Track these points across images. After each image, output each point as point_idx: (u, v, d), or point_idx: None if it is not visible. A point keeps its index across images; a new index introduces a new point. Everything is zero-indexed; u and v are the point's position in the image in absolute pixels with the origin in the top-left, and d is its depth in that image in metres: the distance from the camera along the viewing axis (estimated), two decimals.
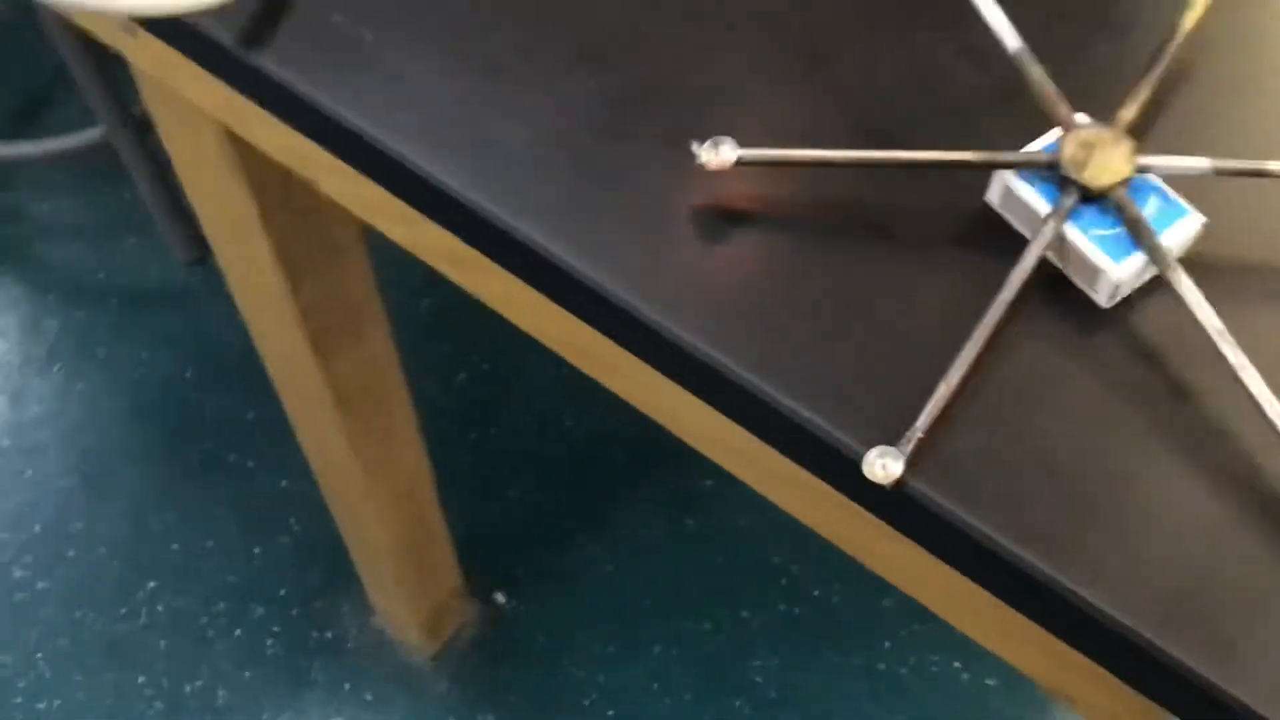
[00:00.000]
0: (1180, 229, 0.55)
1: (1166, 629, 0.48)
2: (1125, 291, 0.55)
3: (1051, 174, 0.55)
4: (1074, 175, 0.54)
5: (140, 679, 1.44)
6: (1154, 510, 0.51)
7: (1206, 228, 0.56)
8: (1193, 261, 0.56)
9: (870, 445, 0.51)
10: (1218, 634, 0.48)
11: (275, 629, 1.49)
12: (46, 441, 1.58)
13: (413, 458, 1.25)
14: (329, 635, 1.49)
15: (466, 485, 1.55)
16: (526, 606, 1.52)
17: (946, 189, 0.58)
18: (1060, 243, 0.55)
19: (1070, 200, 0.54)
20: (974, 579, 0.52)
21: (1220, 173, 0.55)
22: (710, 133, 0.57)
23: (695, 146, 0.56)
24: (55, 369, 1.62)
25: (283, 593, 1.51)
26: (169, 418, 1.60)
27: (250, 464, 1.57)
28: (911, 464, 0.51)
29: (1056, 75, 0.59)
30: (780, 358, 0.54)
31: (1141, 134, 0.57)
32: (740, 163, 0.56)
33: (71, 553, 1.51)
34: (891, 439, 0.51)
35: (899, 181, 0.58)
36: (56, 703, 1.44)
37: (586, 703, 1.47)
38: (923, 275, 0.56)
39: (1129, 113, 0.56)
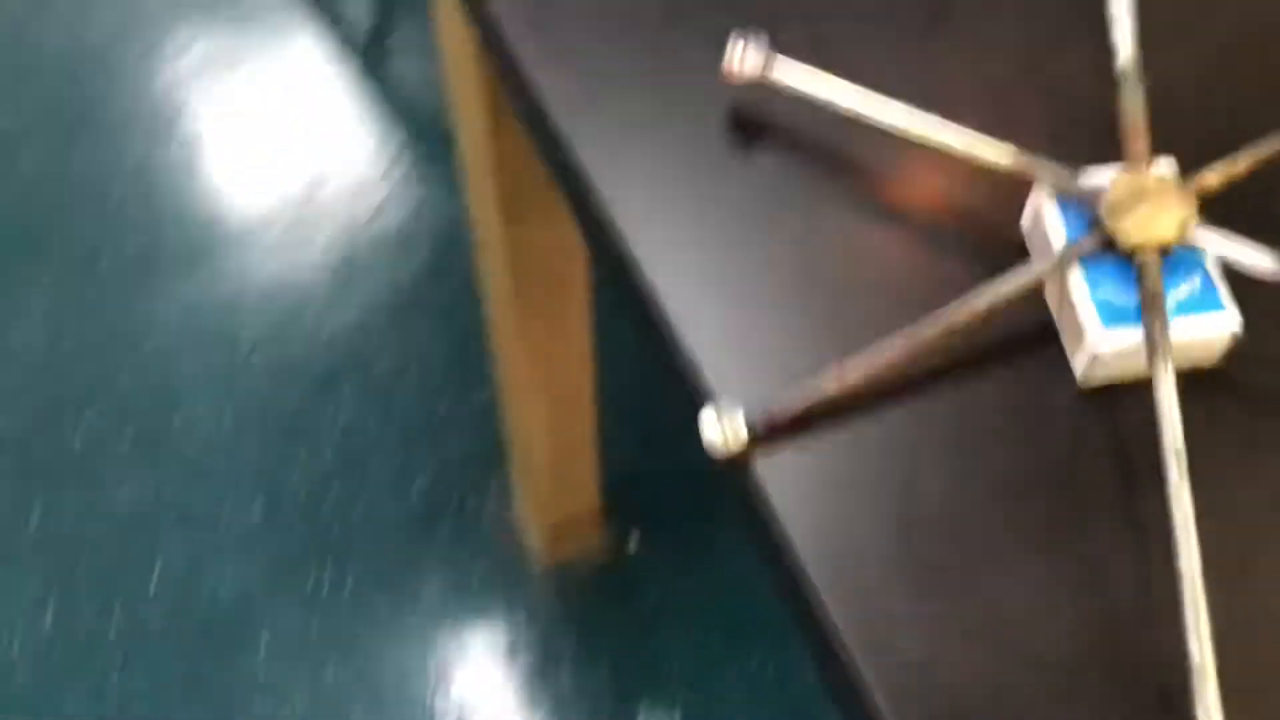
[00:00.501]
0: (1206, 324, 0.45)
1: None
2: (1110, 372, 0.46)
3: (1088, 210, 0.46)
4: (1106, 219, 0.45)
5: (301, 453, 1.50)
6: (992, 617, 0.42)
7: (1241, 338, 0.45)
8: (1212, 372, 0.45)
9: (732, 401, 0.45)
10: None
11: (429, 474, 1.52)
12: (337, 243, 1.67)
13: (578, 362, 1.24)
14: (469, 504, 1.51)
15: (645, 422, 1.52)
16: (653, 562, 1.48)
17: (983, 191, 0.50)
18: (1062, 288, 0.46)
19: (1091, 243, 0.46)
20: (772, 581, 0.45)
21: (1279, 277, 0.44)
22: (774, 49, 0.51)
23: (730, 44, 0.51)
24: (384, 186, 1.71)
25: (451, 449, 1.54)
26: (455, 264, 1.66)
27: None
28: (757, 440, 0.44)
29: (1172, 113, 0.49)
30: (702, 292, 0.48)
31: (1217, 207, 0.46)
32: (765, 77, 0.50)
33: (298, 339, 1.60)
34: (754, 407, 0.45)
35: (934, 165, 0.50)
36: (221, 460, 1.53)
37: (665, 677, 1.42)
38: (901, 270, 0.49)
39: (1212, 178, 0.46)
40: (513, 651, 1.45)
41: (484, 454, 1.55)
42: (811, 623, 0.43)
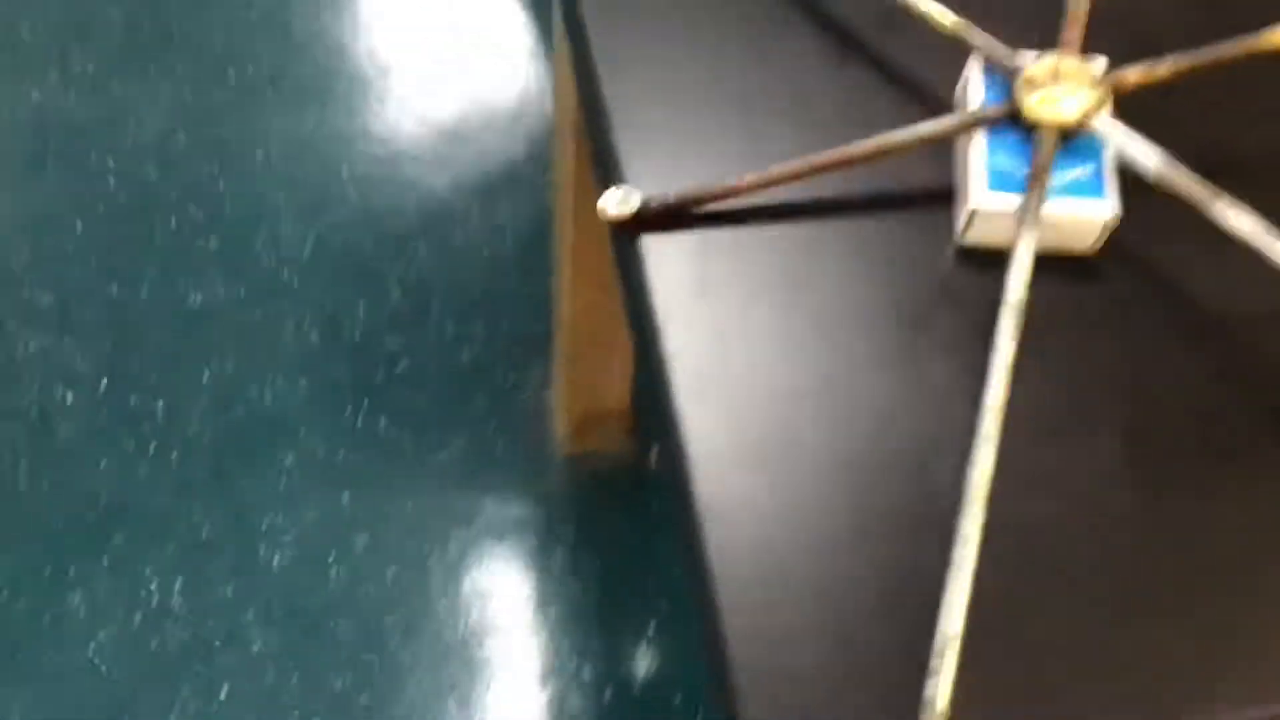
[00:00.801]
0: (1084, 208, 0.49)
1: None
2: (989, 234, 0.49)
3: (1006, 81, 0.50)
4: (1017, 92, 0.49)
5: (366, 295, 1.57)
6: (818, 411, 0.47)
7: (1122, 236, 0.48)
8: (1085, 258, 0.49)
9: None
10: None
11: (479, 347, 1.58)
12: (452, 106, 1.74)
13: None
14: (509, 380, 1.57)
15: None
16: (667, 479, 1.52)
17: (932, 58, 0.54)
18: (965, 148, 0.50)
19: (997, 111, 0.49)
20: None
21: (1162, 178, 0.47)
22: None
23: None
24: (512, 64, 1.77)
25: (505, 326, 1.60)
26: None
27: None
28: (650, 216, 0.49)
29: (1127, 16, 0.52)
30: (645, 92, 0.53)
31: (1138, 109, 0.49)
32: None
33: (391, 189, 1.67)
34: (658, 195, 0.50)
35: (893, 28, 0.54)
36: (293, 283, 1.60)
37: (648, 584, 1.47)
38: (836, 110, 0.53)
39: (1131, 75, 0.49)
40: (519, 524, 1.51)
41: (535, 338, 1.61)
42: (651, 366, 0.47)
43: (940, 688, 0.41)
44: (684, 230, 0.50)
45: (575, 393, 1.48)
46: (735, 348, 0.48)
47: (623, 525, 1.50)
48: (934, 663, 0.42)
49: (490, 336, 1.60)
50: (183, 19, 1.75)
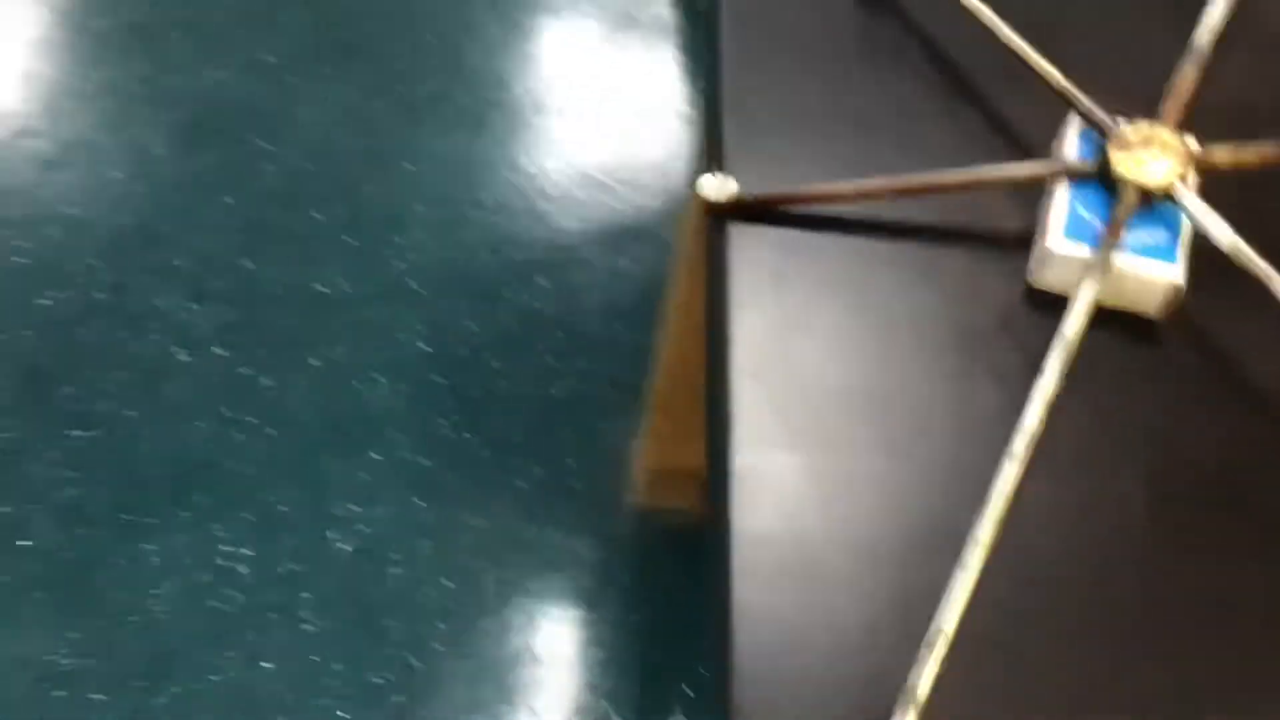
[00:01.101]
0: (1153, 269, 0.50)
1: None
2: (1060, 279, 0.51)
3: (1100, 139, 0.52)
4: (1108, 150, 0.51)
5: (479, 314, 1.61)
6: (871, 420, 0.49)
7: (1188, 305, 0.50)
8: (1147, 321, 0.51)
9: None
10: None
11: (575, 384, 1.62)
12: (600, 149, 1.80)
13: None
14: (597, 422, 1.60)
15: None
16: None
17: (1039, 113, 0.56)
18: (1051, 195, 0.52)
19: (1088, 166, 0.52)
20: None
21: (1236, 255, 0.49)
22: None
23: None
24: (664, 116, 1.83)
25: (604, 370, 1.63)
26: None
27: None
28: (743, 206, 0.52)
29: (1230, 100, 0.55)
30: (763, 104, 0.56)
31: (1217, 185, 0.51)
32: None
33: (525, 219, 1.73)
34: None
35: (1006, 79, 0.57)
36: (413, 289, 1.65)
37: (690, 646, 1.47)
38: (940, 144, 0.56)
39: (1218, 154, 0.51)
40: (578, 562, 1.52)
41: (630, 387, 1.64)
42: (716, 341, 0.50)
43: (923, 677, 0.43)
44: (771, 225, 0.53)
45: (659, 444, 1.50)
46: (797, 338, 0.51)
47: (678, 584, 1.51)
48: (922, 652, 0.43)
49: (588, 376, 1.64)
50: (367, 32, 1.85)
